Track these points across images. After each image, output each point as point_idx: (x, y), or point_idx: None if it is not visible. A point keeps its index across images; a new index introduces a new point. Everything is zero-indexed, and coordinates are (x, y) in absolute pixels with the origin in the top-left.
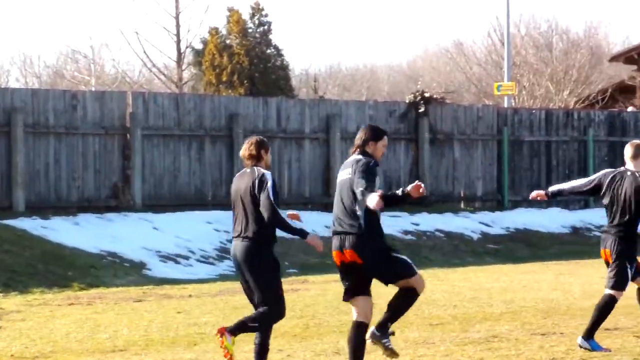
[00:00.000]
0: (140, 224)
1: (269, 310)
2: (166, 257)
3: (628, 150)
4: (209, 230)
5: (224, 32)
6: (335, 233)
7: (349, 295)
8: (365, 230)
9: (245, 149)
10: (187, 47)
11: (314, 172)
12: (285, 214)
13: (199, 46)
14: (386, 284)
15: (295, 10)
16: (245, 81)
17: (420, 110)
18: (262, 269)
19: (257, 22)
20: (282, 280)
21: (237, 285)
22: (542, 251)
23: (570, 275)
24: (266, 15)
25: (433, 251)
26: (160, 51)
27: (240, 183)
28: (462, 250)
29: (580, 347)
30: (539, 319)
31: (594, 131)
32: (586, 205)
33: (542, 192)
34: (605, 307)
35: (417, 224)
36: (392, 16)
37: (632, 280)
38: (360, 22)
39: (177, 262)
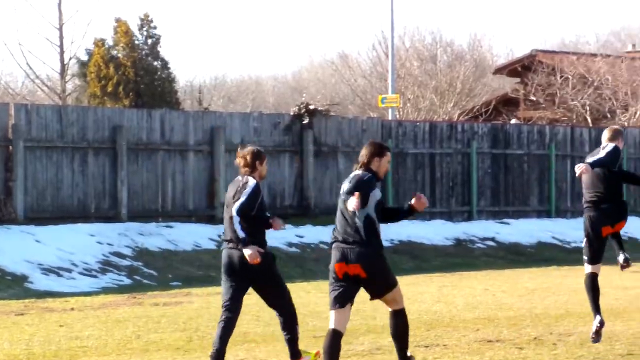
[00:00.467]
0: (23, 237)
1: (291, 307)
2: (48, 270)
3: (605, 134)
4: (92, 242)
5: (110, 43)
6: (338, 246)
7: (336, 305)
8: (367, 242)
9: (240, 157)
10: (70, 59)
11: (199, 184)
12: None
13: (85, 57)
14: (376, 297)
15: (181, 21)
16: (131, 93)
17: (304, 122)
18: (266, 273)
19: (145, 33)
20: (166, 292)
21: (120, 298)
22: (426, 263)
23: (454, 287)
24: (155, 27)
25: (318, 263)
26: (44, 62)
27: (230, 191)
28: None
29: None
30: (423, 331)
31: (477, 143)
32: (469, 217)
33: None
34: None
35: (301, 236)
36: (278, 28)
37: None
38: (245, 33)
39: (59, 275)
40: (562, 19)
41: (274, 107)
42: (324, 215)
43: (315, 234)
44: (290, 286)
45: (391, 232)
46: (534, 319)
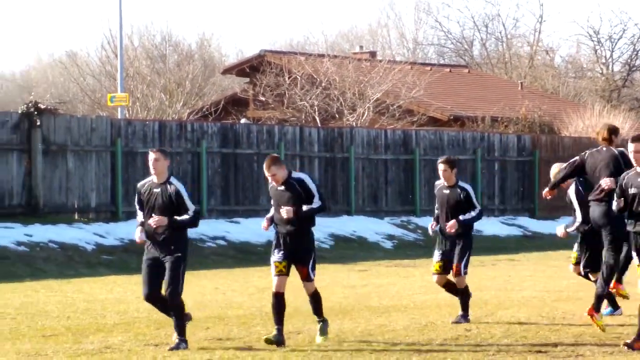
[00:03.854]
0: None
1: None
2: None
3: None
4: None
5: None
6: None
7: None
8: None
9: (599, 134)
10: None
11: None
12: None
13: None
14: None
15: None
16: None
17: (33, 121)
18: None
19: None
20: None
21: None
22: None
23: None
24: None
25: (47, 262)
26: None
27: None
28: (76, 262)
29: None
30: (152, 330)
31: (207, 143)
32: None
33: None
34: None
35: (30, 235)
36: (3, 25)
37: None
38: None
39: None
40: (291, 21)
41: (0, 106)
42: (53, 214)
43: (44, 232)
44: (19, 285)
45: (121, 232)
46: (263, 318)
